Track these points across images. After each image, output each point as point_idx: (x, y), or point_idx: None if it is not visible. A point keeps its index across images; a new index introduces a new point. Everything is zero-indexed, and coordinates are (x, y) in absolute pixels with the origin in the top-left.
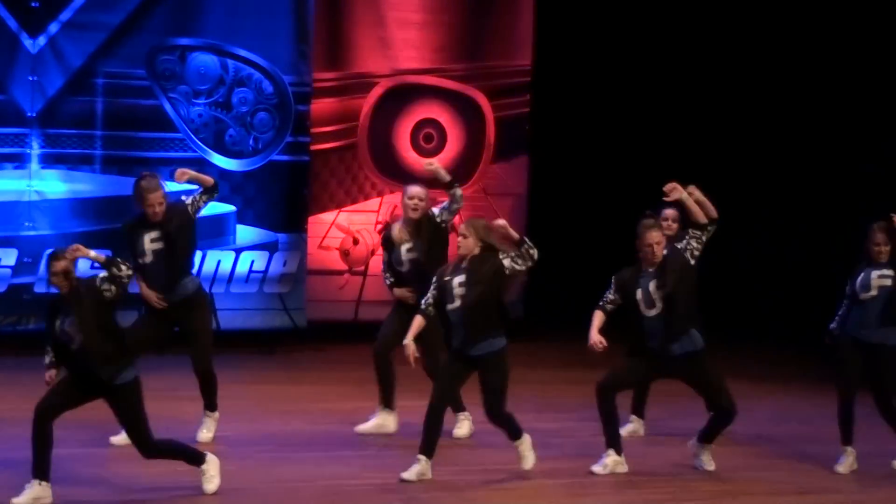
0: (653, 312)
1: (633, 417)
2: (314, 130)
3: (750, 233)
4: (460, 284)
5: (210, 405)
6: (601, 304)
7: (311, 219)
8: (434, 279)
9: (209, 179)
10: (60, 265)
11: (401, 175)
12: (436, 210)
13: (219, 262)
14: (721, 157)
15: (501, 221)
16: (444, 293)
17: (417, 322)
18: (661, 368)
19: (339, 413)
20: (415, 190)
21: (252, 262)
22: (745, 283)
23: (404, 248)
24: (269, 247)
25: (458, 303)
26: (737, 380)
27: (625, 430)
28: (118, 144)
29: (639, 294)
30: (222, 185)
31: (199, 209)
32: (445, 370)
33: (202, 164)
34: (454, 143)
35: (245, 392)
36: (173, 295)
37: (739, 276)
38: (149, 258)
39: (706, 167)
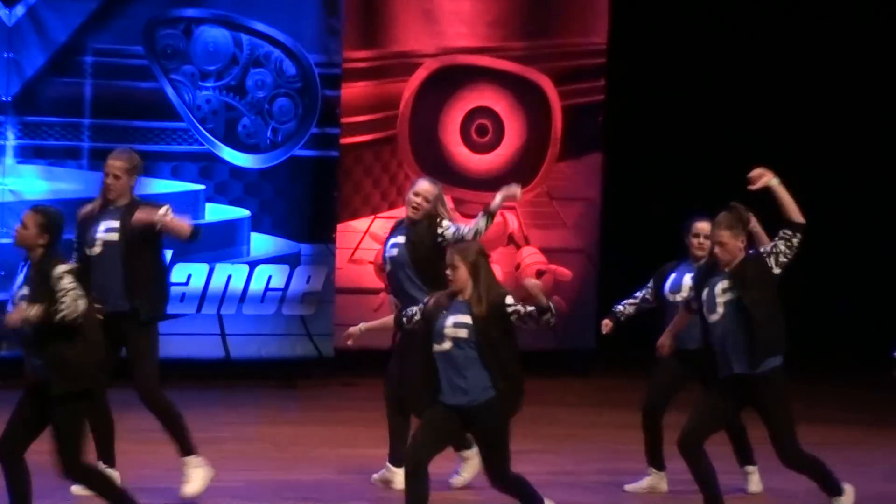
0: (714, 318)
1: (651, 469)
2: (345, 120)
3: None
4: (455, 325)
5: (185, 448)
6: (684, 302)
7: (340, 227)
8: (422, 305)
9: (186, 229)
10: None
11: (449, 175)
12: (448, 224)
13: (229, 278)
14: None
15: (533, 281)
16: (432, 332)
17: (385, 321)
18: (734, 393)
19: (373, 460)
20: (422, 186)
21: (269, 277)
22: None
23: (390, 241)
24: (289, 260)
25: (447, 345)
26: (846, 426)
27: (644, 484)
28: (110, 135)
29: (704, 294)
30: (234, 185)
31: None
32: (429, 423)
33: (210, 160)
34: (513, 136)
35: (260, 434)
36: (119, 303)
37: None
38: (97, 249)
39: (809, 164)
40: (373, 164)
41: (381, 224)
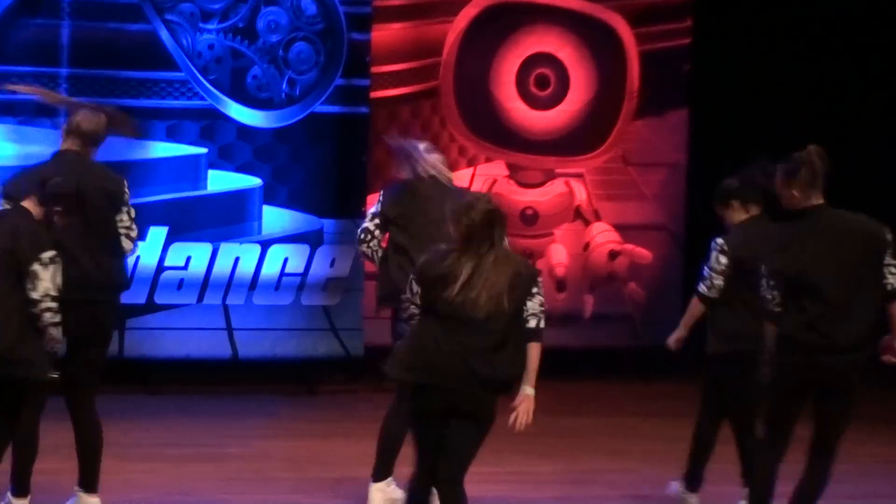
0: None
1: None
2: (376, 70)
3: None
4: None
5: (89, 481)
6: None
7: (370, 198)
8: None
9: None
10: None
11: (502, 136)
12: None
13: (237, 261)
14: None
15: None
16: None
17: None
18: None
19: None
20: (433, 158)
21: (285, 260)
22: None
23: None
24: (309, 238)
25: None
26: None
27: None
28: (93, 88)
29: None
30: (243, 149)
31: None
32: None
33: (213, 118)
34: (580, 89)
35: (273, 450)
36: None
37: None
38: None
39: None
40: (410, 122)
41: None
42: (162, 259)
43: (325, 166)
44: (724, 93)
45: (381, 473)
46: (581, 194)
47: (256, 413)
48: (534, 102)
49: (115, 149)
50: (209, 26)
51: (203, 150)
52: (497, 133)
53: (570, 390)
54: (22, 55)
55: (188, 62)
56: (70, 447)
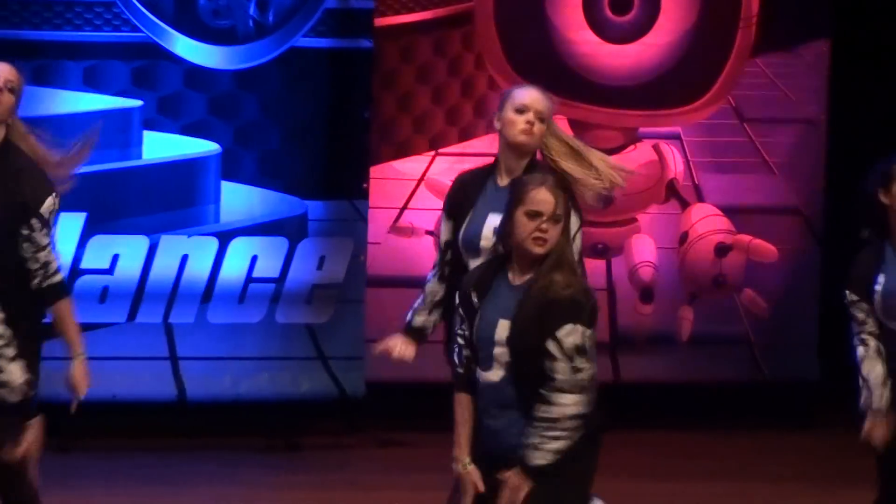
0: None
1: None
2: None
3: None
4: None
5: None
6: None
7: (374, 170)
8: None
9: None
10: None
11: (563, 80)
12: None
13: (184, 259)
14: None
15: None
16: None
17: None
18: None
19: None
20: (528, 95)
21: (253, 259)
22: None
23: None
24: (288, 228)
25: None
26: None
27: None
28: None
29: (877, 288)
30: (193, 101)
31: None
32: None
33: (151, 57)
34: (675, 13)
35: None
36: None
37: None
38: None
39: None
40: (431, 61)
41: (445, 166)
42: (77, 259)
43: (311, 125)
44: (881, 21)
45: None
46: (676, 163)
47: (213, 477)
48: (609, 32)
49: None
50: None
51: (136, 103)
52: (556, 77)
53: (664, 442)
54: None
55: None
56: None
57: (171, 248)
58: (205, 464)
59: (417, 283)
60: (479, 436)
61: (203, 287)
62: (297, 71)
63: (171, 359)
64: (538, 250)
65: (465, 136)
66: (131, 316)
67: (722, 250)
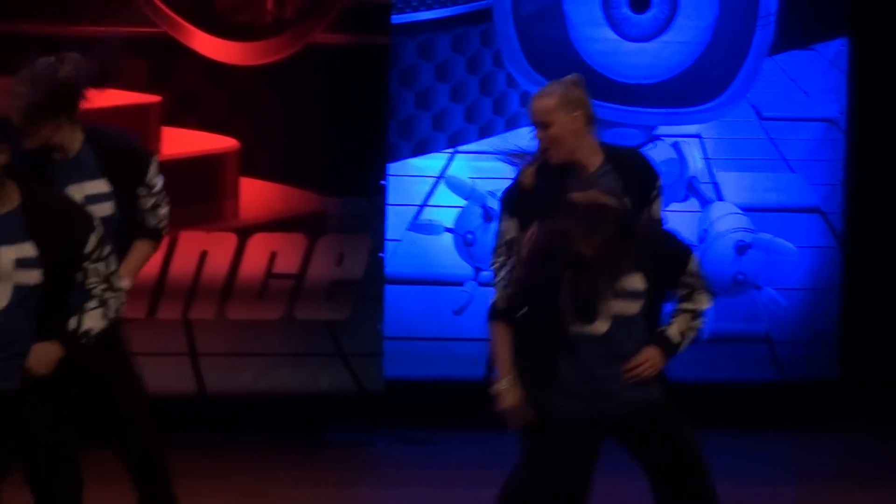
0: None
1: None
2: None
3: None
4: None
5: None
6: None
7: (393, 167)
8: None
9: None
10: None
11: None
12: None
13: (203, 256)
14: None
15: None
16: None
17: None
18: None
19: None
20: (539, 104)
21: (272, 256)
22: None
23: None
24: (307, 225)
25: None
26: None
27: None
28: None
29: None
30: (211, 96)
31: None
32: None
33: (170, 53)
34: (693, 14)
35: None
36: None
37: None
38: None
39: None
40: (450, 58)
41: (465, 164)
42: None
43: (330, 121)
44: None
45: None
46: (694, 160)
47: (233, 474)
48: (627, 30)
49: None
50: None
51: (156, 99)
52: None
53: None
54: None
55: None
56: None
57: (190, 244)
58: (225, 460)
59: (441, 282)
60: (572, 397)
61: (221, 284)
62: (315, 68)
63: (190, 355)
64: None
65: (484, 133)
66: (150, 312)
67: (741, 249)
